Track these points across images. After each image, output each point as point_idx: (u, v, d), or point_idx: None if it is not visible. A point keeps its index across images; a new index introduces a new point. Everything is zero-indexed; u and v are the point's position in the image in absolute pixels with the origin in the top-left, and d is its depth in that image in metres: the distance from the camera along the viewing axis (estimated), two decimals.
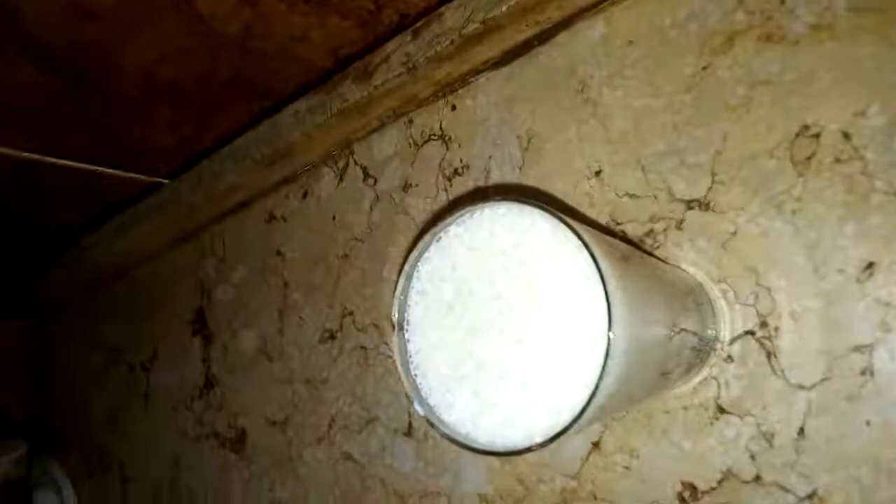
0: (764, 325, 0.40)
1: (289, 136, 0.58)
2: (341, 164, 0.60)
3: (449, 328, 0.30)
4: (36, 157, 0.62)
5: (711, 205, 0.42)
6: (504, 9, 0.46)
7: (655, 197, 0.44)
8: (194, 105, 0.57)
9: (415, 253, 0.31)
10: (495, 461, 0.49)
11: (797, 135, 0.40)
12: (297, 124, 0.57)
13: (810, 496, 0.38)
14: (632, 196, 0.45)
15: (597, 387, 0.25)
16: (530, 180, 0.50)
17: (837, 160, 0.39)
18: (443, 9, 0.49)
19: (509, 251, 0.29)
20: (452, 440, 0.29)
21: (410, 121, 0.56)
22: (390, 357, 0.54)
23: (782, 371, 0.39)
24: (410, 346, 0.31)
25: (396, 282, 0.31)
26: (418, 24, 0.50)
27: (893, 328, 0.36)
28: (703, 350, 0.41)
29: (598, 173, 0.47)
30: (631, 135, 0.46)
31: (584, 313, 0.27)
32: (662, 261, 0.43)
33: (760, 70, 0.41)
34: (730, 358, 0.41)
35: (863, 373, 0.37)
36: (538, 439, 0.27)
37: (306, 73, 0.55)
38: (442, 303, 0.30)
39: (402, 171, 0.56)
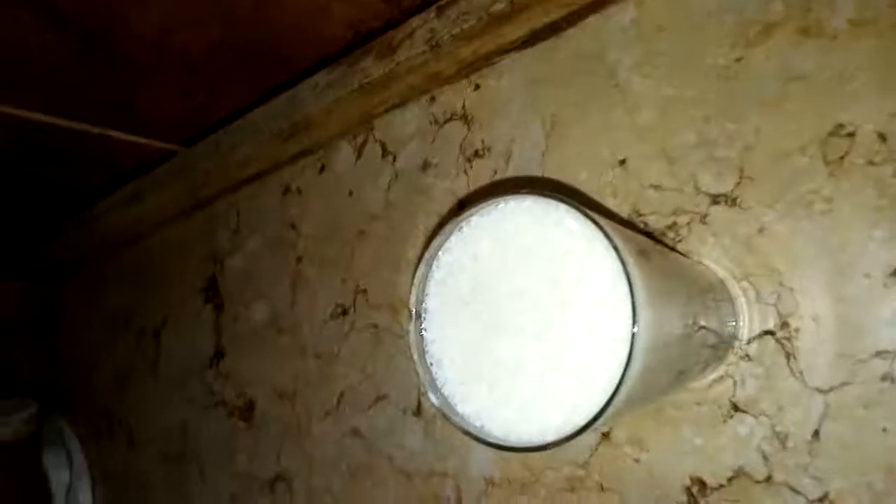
0: (785, 325, 0.40)
1: (307, 110, 0.57)
2: (360, 139, 0.60)
3: (467, 321, 0.30)
4: (51, 119, 0.62)
5: (738, 201, 0.42)
6: None
7: (681, 190, 0.44)
8: (206, 74, 0.57)
9: (436, 241, 0.31)
10: None
11: (830, 133, 0.39)
12: (316, 98, 0.56)
13: (821, 499, 0.38)
14: (656, 188, 0.44)
15: (617, 390, 0.25)
16: (552, 166, 0.49)
17: (871, 162, 0.38)
18: None
19: (534, 247, 0.28)
20: (466, 432, 0.29)
21: (433, 99, 0.55)
22: (402, 337, 0.54)
23: (800, 373, 0.39)
24: (427, 336, 0.31)
25: (415, 269, 0.31)
26: (444, 0, 0.49)
27: None
28: (720, 348, 0.41)
29: (622, 162, 0.46)
30: (658, 124, 0.45)
31: (608, 316, 0.26)
32: (684, 255, 0.42)
33: (796, 65, 0.40)
34: (747, 357, 0.41)
35: (883, 379, 0.36)
36: (552, 437, 0.27)
37: (325, 47, 0.54)
38: (461, 295, 0.30)
39: (422, 150, 0.56)
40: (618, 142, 0.46)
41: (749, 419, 0.40)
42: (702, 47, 0.43)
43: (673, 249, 0.43)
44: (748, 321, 0.41)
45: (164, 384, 0.75)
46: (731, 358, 0.41)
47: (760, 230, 0.41)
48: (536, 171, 0.50)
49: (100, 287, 0.86)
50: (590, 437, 0.45)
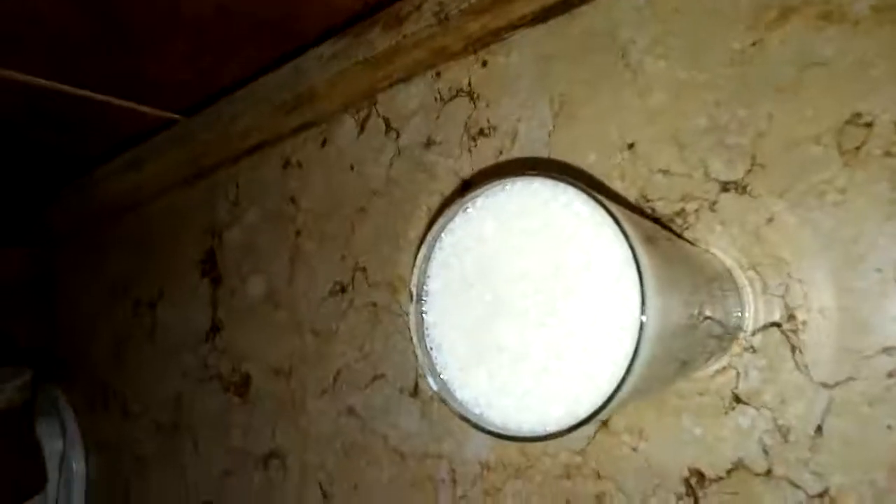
0: (791, 318, 0.39)
1: (311, 82, 0.56)
2: (363, 113, 0.58)
3: (469, 304, 0.29)
4: (51, 84, 0.61)
5: (749, 188, 0.41)
6: None
7: (690, 175, 0.43)
8: (213, 39, 0.55)
9: (440, 222, 0.30)
10: None
11: (847, 122, 0.38)
12: (320, 69, 0.55)
13: (821, 495, 0.37)
14: (665, 173, 0.43)
15: (622, 382, 0.24)
16: (560, 147, 0.48)
17: (888, 153, 0.37)
18: None
19: (540, 230, 0.28)
20: (464, 419, 0.28)
21: (438, 74, 0.54)
22: (401, 316, 0.53)
23: (805, 366, 0.38)
24: (427, 319, 0.30)
25: (417, 250, 0.30)
26: None
27: None
28: (725, 339, 0.40)
29: (631, 146, 0.45)
30: (670, 108, 0.44)
31: (615, 304, 0.26)
32: (691, 243, 0.42)
33: (814, 51, 0.39)
34: (752, 348, 0.40)
35: (890, 376, 0.36)
36: (552, 428, 0.26)
37: (333, 15, 0.52)
38: (464, 277, 0.29)
39: (426, 127, 0.54)
40: (627, 124, 0.45)
41: (751, 411, 0.40)
42: (717, 30, 0.42)
43: (680, 237, 0.42)
44: (754, 312, 0.40)
45: (159, 356, 0.74)
46: (736, 349, 0.40)
47: (770, 220, 0.40)
48: (543, 152, 0.49)
49: (98, 255, 0.85)
50: (588, 425, 0.45)
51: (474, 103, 0.52)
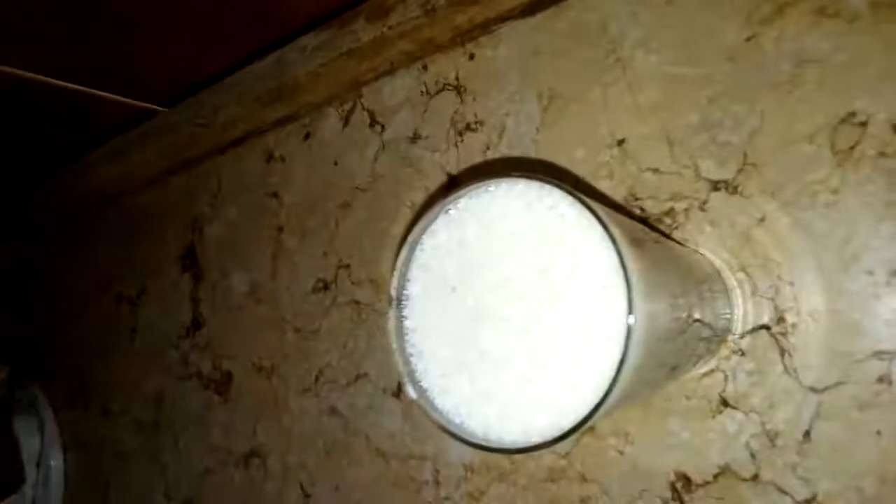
0: (781, 320, 0.38)
1: (294, 73, 0.54)
2: (347, 106, 0.57)
3: (451, 309, 0.28)
4: (28, 74, 0.59)
5: (740, 188, 0.40)
6: None
7: (680, 174, 0.42)
8: (195, 28, 0.53)
9: (421, 223, 0.29)
10: None
11: (842, 121, 0.37)
12: (304, 61, 0.54)
13: (809, 501, 0.36)
14: (655, 171, 0.42)
15: (608, 393, 0.23)
16: (547, 143, 0.47)
17: (882, 153, 0.36)
18: None
19: (524, 233, 0.26)
20: (444, 429, 0.27)
21: (425, 67, 0.53)
22: (385, 315, 0.52)
23: (794, 370, 0.37)
24: (407, 324, 0.29)
25: (397, 252, 0.29)
26: None
27: None
28: (713, 341, 0.39)
29: (620, 143, 0.44)
30: (661, 104, 0.43)
31: (601, 310, 0.25)
32: (680, 244, 0.41)
33: (810, 47, 0.38)
34: (740, 351, 0.39)
35: (880, 381, 0.35)
36: (535, 438, 0.25)
37: (318, 5, 0.51)
38: (445, 281, 0.28)
39: (412, 121, 0.53)
40: (617, 120, 0.44)
41: (738, 415, 0.39)
42: (711, 24, 0.41)
43: (669, 237, 0.41)
44: (743, 314, 0.39)
45: (140, 353, 0.73)
46: (724, 352, 0.40)
47: (761, 220, 0.39)
48: (530, 148, 0.48)
49: (79, 249, 0.83)
50: None
51: (461, 97, 0.51)
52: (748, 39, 0.40)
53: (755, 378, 0.39)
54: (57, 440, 0.79)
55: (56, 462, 0.79)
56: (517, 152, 0.48)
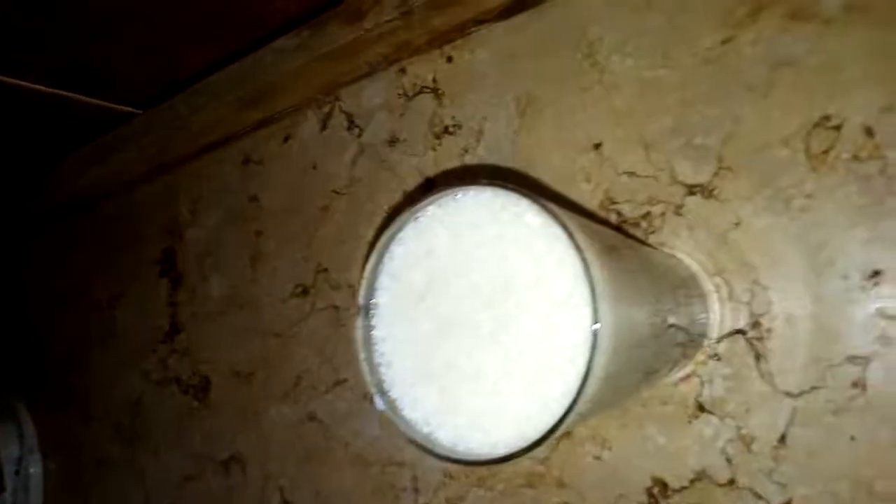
0: (756, 325, 0.38)
1: (271, 75, 0.54)
2: (325, 109, 0.56)
3: (419, 318, 0.28)
4: (3, 78, 0.58)
5: (715, 192, 0.40)
6: None
7: (656, 178, 0.41)
8: (170, 31, 0.53)
9: (389, 231, 0.28)
10: None
11: (816, 125, 0.37)
12: (280, 63, 0.53)
13: None
14: (631, 175, 0.42)
15: (573, 404, 0.23)
16: (525, 147, 0.46)
17: (856, 157, 0.36)
18: None
19: (492, 242, 0.26)
20: (411, 440, 0.27)
21: (402, 70, 0.52)
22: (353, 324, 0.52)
23: (770, 375, 0.37)
24: (376, 333, 0.29)
25: (365, 260, 0.29)
26: None
27: (893, 342, 0.34)
28: (690, 346, 0.39)
29: (597, 146, 0.44)
30: (637, 108, 0.42)
31: (567, 321, 0.24)
32: (656, 249, 0.40)
33: (785, 50, 0.38)
34: (717, 356, 0.39)
35: (854, 385, 0.35)
36: (502, 450, 0.25)
37: (293, 6, 0.50)
38: (414, 290, 0.28)
39: (390, 124, 0.53)
40: (594, 124, 0.44)
41: (714, 420, 0.39)
42: (687, 27, 0.41)
43: (645, 243, 0.41)
44: (719, 319, 0.39)
45: (119, 358, 0.72)
46: (700, 356, 0.39)
47: (737, 224, 0.39)
48: (508, 152, 0.47)
49: (58, 254, 0.82)
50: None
51: (439, 100, 0.51)
52: (724, 43, 0.40)
53: (731, 383, 0.38)
54: (36, 447, 0.79)
55: (35, 469, 0.78)
56: (495, 156, 0.48)
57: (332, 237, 0.55)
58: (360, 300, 0.29)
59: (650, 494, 0.40)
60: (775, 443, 0.37)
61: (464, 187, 0.27)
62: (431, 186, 0.50)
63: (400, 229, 0.28)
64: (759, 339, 0.38)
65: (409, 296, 0.28)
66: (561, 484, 0.43)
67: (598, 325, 0.23)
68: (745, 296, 0.38)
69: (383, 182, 0.52)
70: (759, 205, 0.38)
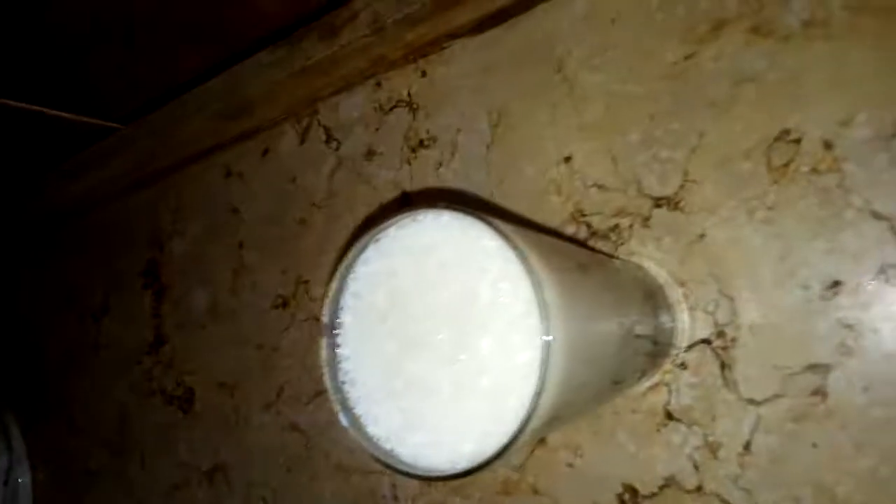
0: (721, 334, 0.39)
1: (249, 90, 0.54)
2: (304, 122, 0.57)
3: (382, 337, 0.28)
4: None
5: (681, 204, 0.40)
6: None
7: (624, 190, 0.42)
8: (146, 48, 0.54)
9: (352, 252, 0.29)
10: None
11: (776, 139, 0.38)
12: (258, 78, 0.54)
13: None
14: (600, 187, 0.43)
15: (525, 421, 0.24)
16: (498, 160, 0.47)
17: (815, 170, 0.37)
18: None
19: (451, 264, 0.27)
20: (375, 458, 0.27)
21: (378, 84, 0.53)
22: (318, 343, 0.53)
23: (735, 383, 0.38)
24: (341, 352, 0.29)
25: (329, 280, 0.29)
26: None
27: (852, 352, 0.35)
28: (657, 355, 0.40)
29: (567, 159, 0.44)
30: (605, 121, 0.43)
31: (523, 341, 0.25)
32: (625, 261, 0.41)
33: (746, 65, 0.39)
34: (683, 365, 0.40)
35: (815, 393, 0.36)
36: (462, 465, 0.26)
37: (267, 25, 0.51)
38: (377, 309, 0.29)
39: (366, 137, 0.53)
40: (564, 137, 0.45)
41: (682, 428, 0.40)
42: (653, 43, 0.42)
43: (613, 256, 0.42)
44: (686, 329, 0.40)
45: (104, 369, 0.73)
46: (668, 365, 0.40)
47: (702, 236, 0.40)
48: (481, 165, 0.48)
49: (44, 266, 0.82)
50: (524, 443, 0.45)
51: (414, 114, 0.51)
52: (687, 58, 0.40)
53: (698, 391, 0.39)
54: (25, 457, 0.79)
55: (24, 479, 0.79)
56: (469, 169, 0.49)
57: (312, 249, 0.56)
58: (325, 319, 0.29)
59: (621, 501, 0.41)
60: (740, 450, 0.38)
61: (423, 210, 0.28)
62: (406, 200, 0.51)
63: (362, 250, 0.29)
64: (724, 348, 0.39)
65: (373, 315, 0.29)
66: (535, 491, 0.44)
67: (549, 342, 0.24)
68: (711, 306, 0.39)
69: (361, 195, 0.53)
70: (724, 216, 0.39)
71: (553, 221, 0.45)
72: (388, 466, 0.27)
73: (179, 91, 0.59)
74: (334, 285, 0.29)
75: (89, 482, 0.74)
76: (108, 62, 0.56)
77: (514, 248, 0.25)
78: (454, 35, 0.49)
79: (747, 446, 0.38)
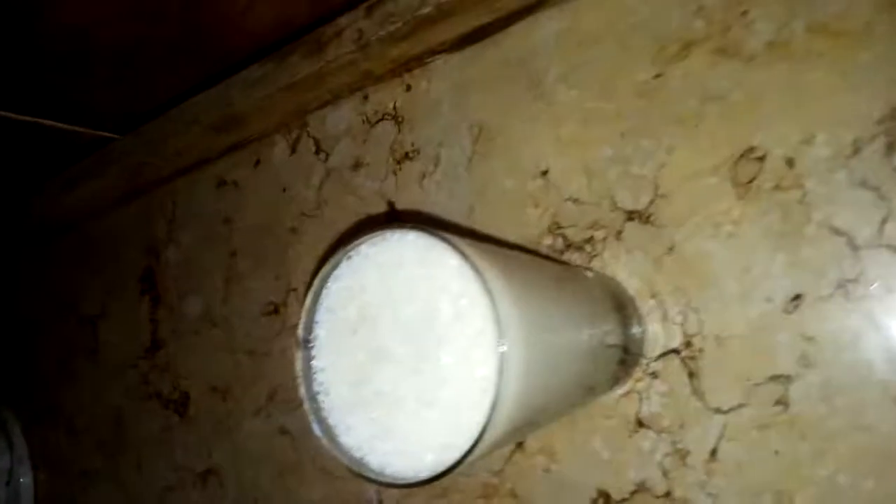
0: (689, 345, 0.40)
1: (239, 105, 0.56)
2: (294, 134, 0.59)
3: (353, 350, 0.30)
4: None
5: (652, 218, 0.42)
6: None
7: (598, 204, 0.44)
8: (135, 67, 0.55)
9: (325, 269, 0.30)
10: None
11: (741, 156, 0.39)
12: (248, 92, 0.55)
13: None
14: (575, 201, 0.45)
15: (481, 435, 0.25)
16: (478, 173, 0.49)
17: (778, 187, 0.38)
18: None
19: (416, 281, 0.28)
20: (348, 468, 0.29)
21: (366, 97, 0.55)
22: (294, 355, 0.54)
23: (702, 392, 0.40)
24: (315, 363, 0.31)
25: (304, 295, 0.31)
26: (372, 0, 0.48)
27: (813, 364, 0.36)
28: (629, 364, 0.41)
29: (544, 173, 0.46)
30: (580, 137, 0.45)
31: (482, 355, 0.26)
32: (596, 272, 0.43)
33: (713, 84, 0.40)
34: (654, 374, 0.41)
35: (777, 403, 0.37)
36: (424, 474, 0.27)
37: (254, 44, 0.52)
38: (348, 323, 0.30)
39: (354, 149, 0.55)
40: (541, 152, 0.46)
41: (652, 435, 0.41)
42: (625, 62, 0.43)
43: (587, 268, 0.43)
44: (655, 339, 0.41)
45: (102, 373, 0.74)
46: (639, 374, 0.42)
47: (671, 249, 0.41)
48: (463, 177, 0.49)
49: (43, 271, 0.84)
50: (504, 447, 0.46)
51: (399, 127, 0.53)
52: (657, 77, 0.42)
53: (667, 399, 0.41)
54: (26, 458, 0.81)
55: (26, 480, 0.80)
56: (451, 181, 0.50)
57: (302, 258, 0.57)
58: (300, 333, 0.31)
59: None
60: (707, 457, 0.39)
61: (391, 229, 0.29)
62: (394, 211, 0.53)
63: (335, 266, 0.30)
64: (692, 358, 0.40)
65: (344, 329, 0.30)
66: (514, 495, 0.46)
67: (503, 356, 0.25)
68: (679, 317, 0.40)
69: (348, 206, 0.55)
70: (691, 230, 0.40)
71: (531, 233, 0.46)
72: (357, 474, 0.28)
73: (173, 103, 0.60)
74: (309, 300, 0.31)
75: (87, 484, 0.76)
76: (95, 80, 0.58)
77: (472, 266, 0.26)
78: (437, 51, 0.50)
79: (713, 453, 0.39)
